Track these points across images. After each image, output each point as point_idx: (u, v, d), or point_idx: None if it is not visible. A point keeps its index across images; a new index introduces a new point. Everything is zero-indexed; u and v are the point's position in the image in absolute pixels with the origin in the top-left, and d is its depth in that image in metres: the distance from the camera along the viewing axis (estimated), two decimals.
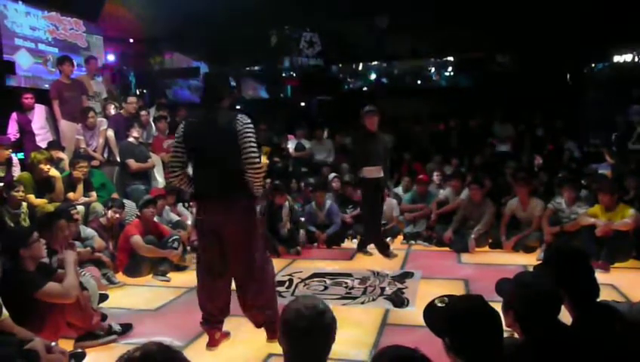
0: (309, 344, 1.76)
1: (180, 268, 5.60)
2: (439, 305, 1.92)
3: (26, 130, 6.62)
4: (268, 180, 8.02)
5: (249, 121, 3.31)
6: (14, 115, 6.62)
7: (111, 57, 10.05)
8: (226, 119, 3.29)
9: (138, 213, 5.66)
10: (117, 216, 5.58)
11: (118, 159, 6.76)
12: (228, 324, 4.03)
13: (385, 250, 6.02)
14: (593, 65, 13.28)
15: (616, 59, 12.94)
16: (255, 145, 3.31)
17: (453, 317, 1.81)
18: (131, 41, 11.78)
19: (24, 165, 5.99)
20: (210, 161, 3.31)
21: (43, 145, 6.51)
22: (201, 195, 3.43)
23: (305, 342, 1.75)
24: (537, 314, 1.93)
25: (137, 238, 5.31)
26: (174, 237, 5.57)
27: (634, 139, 7.94)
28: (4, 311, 2.98)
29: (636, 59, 12.86)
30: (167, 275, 5.36)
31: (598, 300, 2.19)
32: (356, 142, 6.15)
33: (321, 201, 6.88)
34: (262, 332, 3.62)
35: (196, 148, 3.33)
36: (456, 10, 10.88)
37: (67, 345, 3.53)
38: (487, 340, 1.75)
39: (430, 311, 1.93)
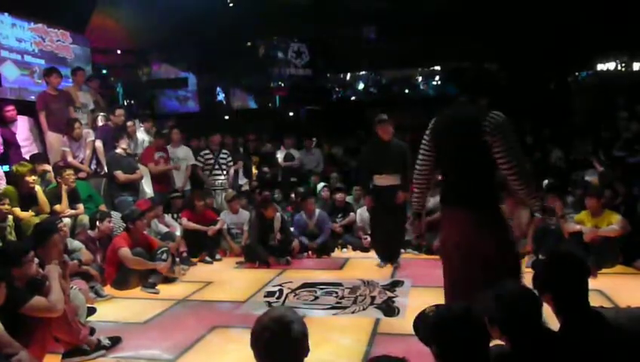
0: (275, 355, 1.76)
1: (168, 279, 5.55)
2: (429, 314, 1.93)
3: (10, 142, 6.55)
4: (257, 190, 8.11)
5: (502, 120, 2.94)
6: None
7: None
8: (474, 115, 2.98)
9: (126, 225, 5.62)
10: (111, 225, 5.59)
11: (106, 170, 6.71)
12: (217, 336, 4.01)
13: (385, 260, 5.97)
14: (577, 73, 13.48)
15: (600, 67, 13.16)
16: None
17: (440, 326, 1.82)
18: (119, 52, 11.76)
19: (9, 178, 5.91)
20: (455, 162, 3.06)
21: (29, 157, 6.44)
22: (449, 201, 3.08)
23: (271, 353, 1.76)
24: (518, 320, 1.94)
25: (125, 250, 5.26)
26: (163, 249, 5.53)
27: (619, 145, 8.04)
28: None
29: (619, 68, 13.09)
30: (156, 287, 5.31)
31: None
32: (369, 151, 5.95)
33: (311, 210, 6.88)
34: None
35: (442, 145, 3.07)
36: (444, 21, 11.02)
37: (54, 360, 3.48)
38: (472, 349, 1.76)
39: (420, 319, 1.94)
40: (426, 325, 1.88)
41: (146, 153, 7.29)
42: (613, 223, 5.37)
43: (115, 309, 4.73)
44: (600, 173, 7.48)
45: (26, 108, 7.13)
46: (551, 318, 2.15)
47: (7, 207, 5.03)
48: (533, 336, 1.93)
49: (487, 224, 3.03)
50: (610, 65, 13.18)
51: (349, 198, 7.58)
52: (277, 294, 5.06)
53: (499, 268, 2.93)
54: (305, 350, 1.80)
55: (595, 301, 2.27)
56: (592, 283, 2.24)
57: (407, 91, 15.77)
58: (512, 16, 10.60)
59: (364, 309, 4.51)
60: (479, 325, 1.81)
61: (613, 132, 8.59)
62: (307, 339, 1.82)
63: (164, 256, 5.47)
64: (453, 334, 1.77)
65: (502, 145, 2.88)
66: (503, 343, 2.01)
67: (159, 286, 5.34)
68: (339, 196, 7.27)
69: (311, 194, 7.39)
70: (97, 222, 5.57)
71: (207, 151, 7.80)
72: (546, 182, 7.20)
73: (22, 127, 6.86)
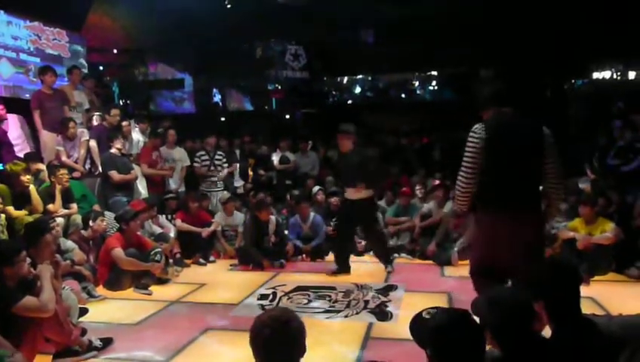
0: (274, 353, 1.80)
1: (161, 281, 5.53)
2: (426, 316, 1.94)
3: (2, 141, 6.50)
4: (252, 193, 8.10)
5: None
6: None
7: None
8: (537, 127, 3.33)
9: (119, 225, 5.59)
10: (104, 224, 5.57)
11: (100, 170, 6.68)
12: (209, 338, 4.00)
13: (343, 269, 5.91)
14: (573, 81, 13.55)
15: (596, 76, 13.24)
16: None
17: (436, 329, 1.83)
18: (115, 51, 11.73)
19: (2, 177, 5.87)
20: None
21: (22, 155, 6.40)
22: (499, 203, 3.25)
23: (270, 350, 1.80)
24: (509, 326, 1.94)
25: (118, 251, 5.24)
26: (156, 250, 5.51)
27: (613, 153, 8.07)
28: None
29: (614, 76, 13.17)
30: (149, 288, 5.29)
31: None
32: (338, 163, 6.11)
33: (306, 213, 6.87)
34: (245, 346, 3.58)
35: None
36: (442, 26, 11.05)
37: (45, 361, 3.46)
38: (467, 353, 1.76)
39: (416, 321, 1.95)
40: (423, 328, 1.89)
41: (144, 153, 7.27)
42: (606, 231, 5.39)
43: (108, 310, 4.71)
44: (592, 180, 7.52)
45: (20, 106, 7.08)
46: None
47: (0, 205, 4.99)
48: (524, 343, 1.93)
49: (534, 227, 3.23)
50: (606, 74, 13.26)
51: None
52: (270, 297, 5.05)
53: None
54: (302, 349, 1.84)
55: (587, 308, 2.28)
56: (585, 290, 2.25)
57: (403, 96, 15.81)
58: (510, 23, 10.65)
59: (357, 313, 4.50)
60: (476, 330, 1.81)
61: (608, 140, 8.61)
62: (305, 338, 1.86)
63: (158, 257, 5.45)
64: (450, 338, 1.77)
65: (553, 157, 3.25)
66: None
67: (152, 288, 5.32)
68: (334, 200, 7.26)
69: (306, 197, 7.38)
70: (90, 222, 5.55)
71: (202, 153, 7.80)
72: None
73: (13, 126, 6.81)
